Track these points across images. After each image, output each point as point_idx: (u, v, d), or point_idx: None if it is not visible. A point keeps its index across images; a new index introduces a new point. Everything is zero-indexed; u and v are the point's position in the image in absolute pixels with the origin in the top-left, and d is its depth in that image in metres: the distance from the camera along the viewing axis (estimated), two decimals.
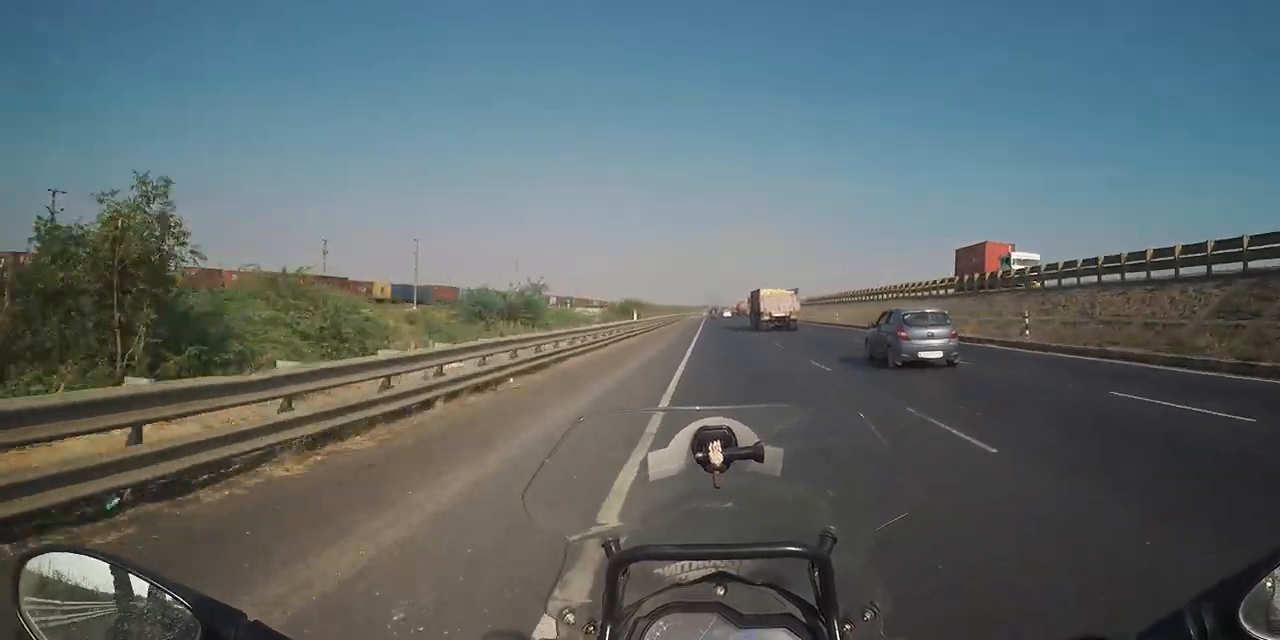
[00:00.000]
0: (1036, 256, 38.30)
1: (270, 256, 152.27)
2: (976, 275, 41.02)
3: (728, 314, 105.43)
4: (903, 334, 16.52)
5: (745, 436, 1.03)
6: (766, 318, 42.95)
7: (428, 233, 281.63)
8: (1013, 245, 41.57)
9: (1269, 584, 0.61)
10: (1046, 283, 33.28)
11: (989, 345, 25.01)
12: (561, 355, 19.96)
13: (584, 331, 25.19)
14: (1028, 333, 25.82)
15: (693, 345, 29.87)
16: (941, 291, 45.78)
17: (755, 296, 46.94)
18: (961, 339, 26.18)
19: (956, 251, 50.79)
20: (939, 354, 16.34)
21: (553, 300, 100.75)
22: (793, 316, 43.41)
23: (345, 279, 65.69)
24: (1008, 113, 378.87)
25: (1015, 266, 37.36)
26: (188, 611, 0.69)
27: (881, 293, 59.94)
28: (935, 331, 16.53)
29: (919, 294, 49.93)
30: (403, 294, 73.61)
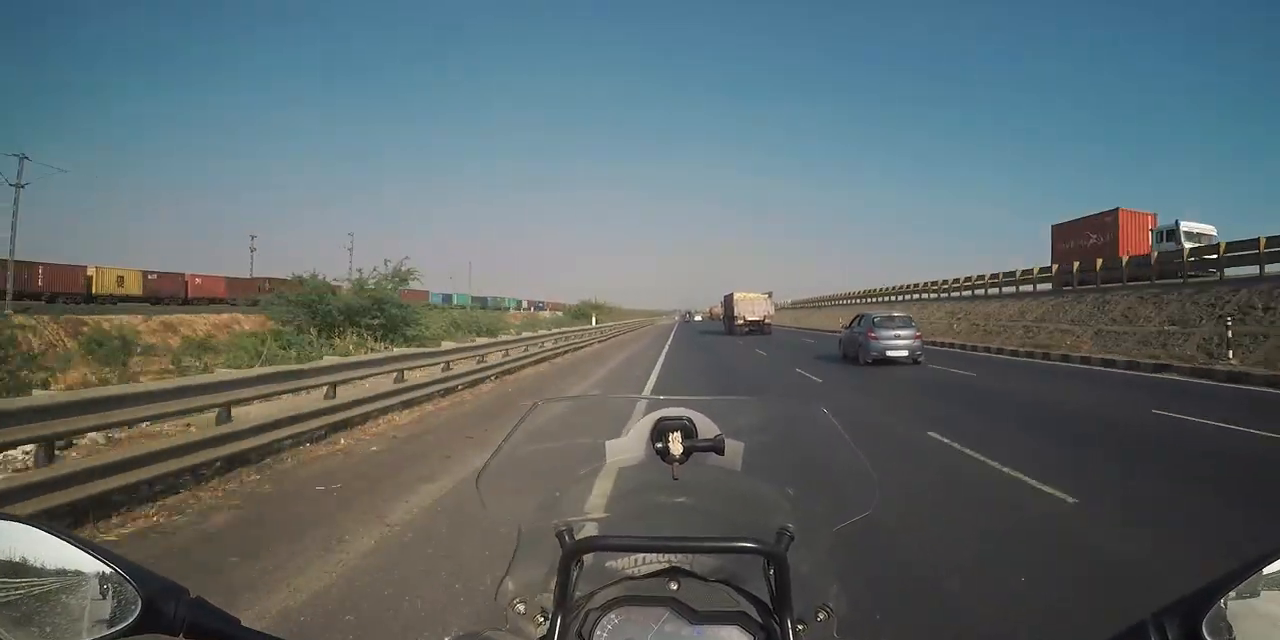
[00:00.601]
0: (1212, 229, 25.30)
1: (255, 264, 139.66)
2: (1106, 262, 26.48)
3: (698, 318, 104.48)
4: (872, 335, 17.93)
5: (706, 428, 1.00)
6: (740, 322, 41.50)
7: (426, 240, 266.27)
8: (1155, 214, 28.48)
9: (1235, 597, 0.59)
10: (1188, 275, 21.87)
11: (1166, 376, 14.48)
12: (423, 395, 10.32)
13: (470, 351, 13.96)
14: (1231, 355, 15.31)
15: (658, 367, 18.94)
16: (1025, 287, 31.96)
17: (729, 300, 44.77)
18: (1099, 364, 17.61)
19: (1054, 228, 34.64)
20: (904, 353, 17.71)
21: (524, 304, 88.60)
22: (767, 320, 42.09)
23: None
24: (1005, 113, 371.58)
25: (1188, 245, 23.16)
26: (129, 585, 0.67)
27: (909, 290, 46.07)
28: (901, 333, 17.95)
29: (981, 288, 35.73)
30: None
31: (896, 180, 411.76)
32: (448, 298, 79.38)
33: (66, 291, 35.06)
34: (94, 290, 36.84)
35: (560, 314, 66.38)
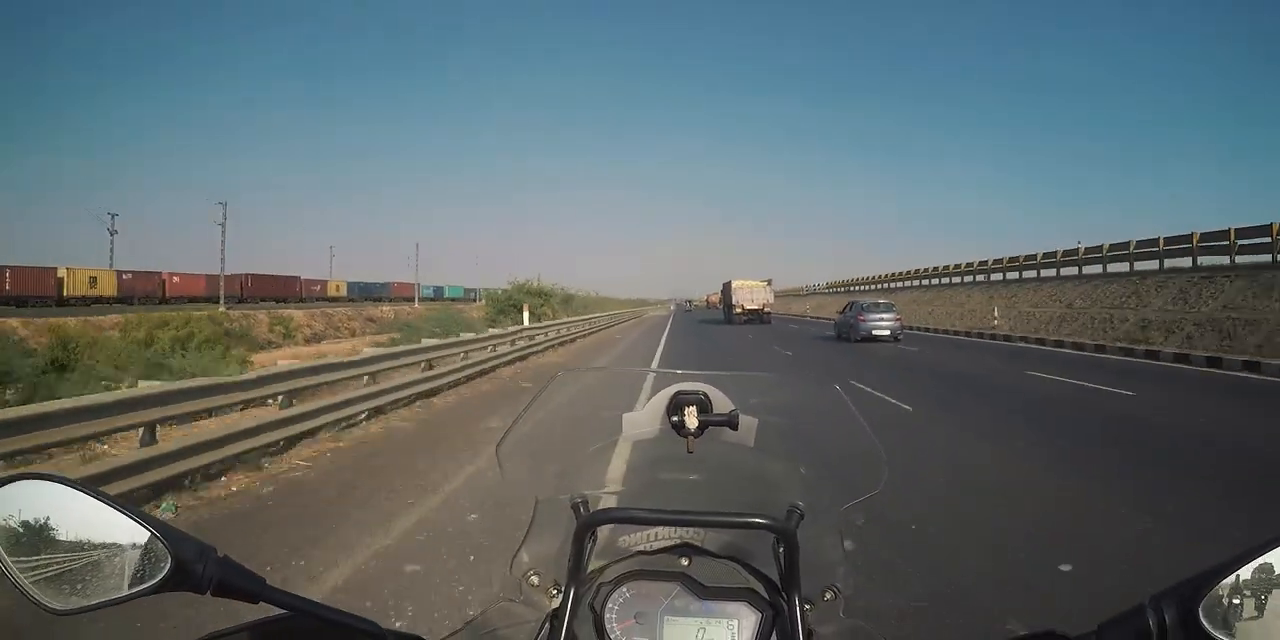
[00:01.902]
0: None
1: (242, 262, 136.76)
2: None
3: (689, 307, 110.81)
4: (861, 318, 22.72)
5: (721, 403, 0.99)
6: (739, 310, 40.77)
7: (425, 237, 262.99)
8: None
9: (1232, 584, 0.60)
10: None
11: None
12: None
13: None
14: None
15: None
16: None
17: (727, 288, 44.12)
18: None
19: None
20: (887, 332, 22.30)
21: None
22: (766, 309, 41.19)
23: (296, 277, 56.63)
24: (1003, 112, 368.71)
25: None
26: (159, 543, 0.67)
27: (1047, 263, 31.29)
28: (884, 316, 22.79)
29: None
30: (361, 292, 65.59)
31: (896, 177, 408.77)
32: (439, 290, 78.05)
33: (37, 294, 34.43)
34: (65, 293, 36.16)
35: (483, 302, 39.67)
